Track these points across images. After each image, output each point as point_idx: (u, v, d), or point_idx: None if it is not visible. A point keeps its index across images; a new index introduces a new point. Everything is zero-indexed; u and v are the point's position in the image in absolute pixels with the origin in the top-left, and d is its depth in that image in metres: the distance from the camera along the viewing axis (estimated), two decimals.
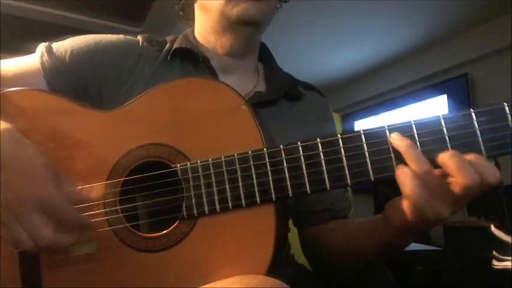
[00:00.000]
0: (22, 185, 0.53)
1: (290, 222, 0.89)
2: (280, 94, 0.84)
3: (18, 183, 0.53)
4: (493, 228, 1.98)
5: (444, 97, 3.42)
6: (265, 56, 0.94)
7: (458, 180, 0.51)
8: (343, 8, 2.81)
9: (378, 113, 4.05)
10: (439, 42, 3.42)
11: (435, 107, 3.46)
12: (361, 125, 4.26)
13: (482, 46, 3.17)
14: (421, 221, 0.54)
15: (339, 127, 4.77)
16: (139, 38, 0.84)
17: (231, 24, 0.79)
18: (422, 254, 2.47)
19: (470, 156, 0.52)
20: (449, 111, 3.55)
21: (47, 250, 0.57)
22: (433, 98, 3.50)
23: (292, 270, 0.86)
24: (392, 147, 0.55)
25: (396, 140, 0.54)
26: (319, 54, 3.59)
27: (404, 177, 0.53)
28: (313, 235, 0.85)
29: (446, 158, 0.52)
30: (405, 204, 0.54)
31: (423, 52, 3.56)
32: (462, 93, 3.28)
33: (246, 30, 0.80)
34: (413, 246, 2.52)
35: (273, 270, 0.57)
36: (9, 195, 0.53)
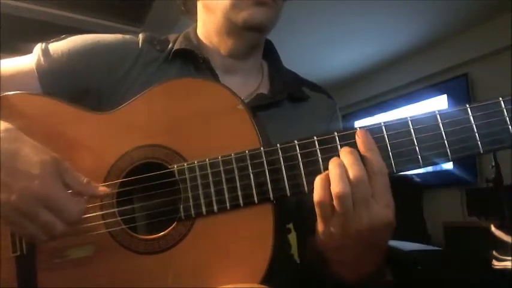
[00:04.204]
0: (23, 184, 0.54)
1: (292, 224, 0.88)
2: (283, 96, 0.82)
3: (19, 181, 0.54)
4: (493, 228, 1.98)
5: (444, 97, 3.42)
6: (270, 55, 0.92)
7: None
8: (343, 9, 2.81)
9: (378, 113, 4.05)
10: (439, 42, 3.41)
11: (435, 107, 3.45)
12: (362, 125, 4.23)
13: (482, 46, 3.16)
14: (336, 237, 0.56)
15: None
16: (140, 36, 0.82)
17: (235, 29, 0.78)
18: (422, 254, 2.47)
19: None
20: None
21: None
22: (433, 98, 3.50)
23: (293, 271, 0.86)
24: (390, 144, 0.56)
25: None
26: (320, 54, 3.59)
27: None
28: (306, 244, 0.83)
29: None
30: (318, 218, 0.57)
31: (423, 52, 3.56)
32: (462, 93, 3.28)
33: (251, 35, 0.79)
34: (413, 246, 2.52)
35: (272, 272, 0.57)
36: (11, 194, 0.54)
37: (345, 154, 0.55)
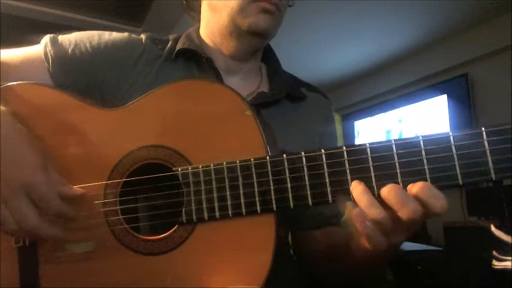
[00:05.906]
0: (10, 169, 0.56)
1: None
2: (282, 95, 0.84)
3: (7, 167, 0.56)
4: (493, 228, 1.98)
5: (444, 97, 3.42)
6: (269, 57, 0.93)
7: (401, 214, 0.51)
8: (343, 8, 2.81)
9: (378, 113, 4.05)
10: (439, 42, 3.41)
11: (435, 107, 3.46)
12: (361, 125, 4.25)
13: (482, 46, 3.16)
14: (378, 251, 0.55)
15: (339, 127, 4.70)
16: (143, 36, 0.84)
17: (239, 32, 0.80)
18: (422, 254, 2.47)
19: (416, 187, 0.52)
20: (449, 111, 3.51)
21: (31, 236, 0.59)
22: (433, 98, 3.50)
23: (292, 271, 0.86)
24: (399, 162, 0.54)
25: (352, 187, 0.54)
26: (320, 54, 3.59)
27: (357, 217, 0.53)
28: (303, 240, 0.84)
29: (386, 192, 0.52)
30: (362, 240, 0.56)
31: (423, 52, 3.55)
32: (462, 93, 3.28)
33: (254, 40, 0.81)
34: (413, 246, 2.52)
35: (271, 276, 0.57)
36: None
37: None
